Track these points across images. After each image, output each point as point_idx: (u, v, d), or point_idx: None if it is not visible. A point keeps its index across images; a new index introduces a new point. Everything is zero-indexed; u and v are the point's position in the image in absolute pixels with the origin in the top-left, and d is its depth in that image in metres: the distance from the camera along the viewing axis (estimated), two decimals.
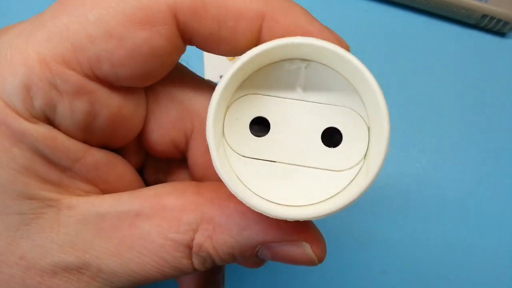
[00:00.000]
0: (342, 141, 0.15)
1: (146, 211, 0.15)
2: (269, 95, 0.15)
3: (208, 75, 0.33)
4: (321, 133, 0.15)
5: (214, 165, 0.13)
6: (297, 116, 0.15)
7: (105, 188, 0.16)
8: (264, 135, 0.15)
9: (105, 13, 0.14)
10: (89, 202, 0.15)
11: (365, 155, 0.15)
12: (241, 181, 0.15)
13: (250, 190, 0.15)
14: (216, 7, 0.14)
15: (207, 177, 0.18)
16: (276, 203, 0.15)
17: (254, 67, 0.15)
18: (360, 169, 0.15)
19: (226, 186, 0.13)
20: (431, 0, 0.34)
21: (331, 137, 0.15)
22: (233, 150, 0.15)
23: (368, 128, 0.15)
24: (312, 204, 0.14)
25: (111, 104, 0.15)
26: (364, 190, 0.13)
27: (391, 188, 0.32)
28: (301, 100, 0.15)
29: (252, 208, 0.13)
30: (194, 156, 0.18)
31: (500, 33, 0.35)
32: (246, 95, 0.15)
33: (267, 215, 0.13)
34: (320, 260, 0.16)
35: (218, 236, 0.15)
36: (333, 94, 0.15)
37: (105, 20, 0.14)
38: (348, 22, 0.35)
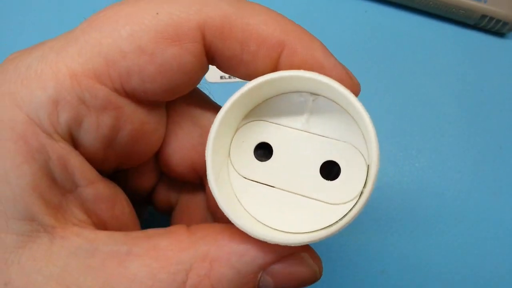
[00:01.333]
0: (340, 176, 0.15)
1: (136, 250, 0.14)
2: (276, 123, 0.16)
3: (208, 76, 0.34)
4: (320, 165, 0.15)
5: (211, 188, 0.14)
6: (299, 146, 0.15)
7: (98, 222, 0.16)
8: (266, 160, 0.15)
9: (138, 29, 0.14)
10: (83, 235, 0.14)
11: (361, 192, 0.15)
12: (240, 202, 0.15)
13: (248, 211, 0.15)
14: (241, 30, 0.14)
15: None
16: (271, 228, 0.15)
17: (264, 96, 0.15)
18: (354, 205, 0.15)
19: (219, 221, 0.14)
20: (430, 0, 0.34)
21: (330, 170, 0.15)
22: (236, 171, 0.15)
23: (368, 166, 0.15)
24: (306, 232, 0.15)
25: (135, 119, 0.15)
26: (354, 216, 0.14)
27: (390, 188, 0.32)
28: (305, 131, 0.15)
29: (249, 234, 0.14)
30: None
31: (499, 34, 0.35)
32: (254, 120, 0.16)
33: (265, 241, 0.14)
34: (320, 272, 0.16)
35: (216, 271, 0.14)
36: (337, 128, 0.15)
37: (137, 36, 0.14)
38: (348, 23, 0.35)
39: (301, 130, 0.15)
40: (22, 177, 0.13)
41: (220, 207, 0.14)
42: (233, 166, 0.16)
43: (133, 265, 0.14)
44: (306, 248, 0.15)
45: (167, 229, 0.15)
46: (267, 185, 0.15)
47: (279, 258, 0.14)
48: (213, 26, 0.14)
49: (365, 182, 0.15)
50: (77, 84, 0.14)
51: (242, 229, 0.14)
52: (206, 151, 0.14)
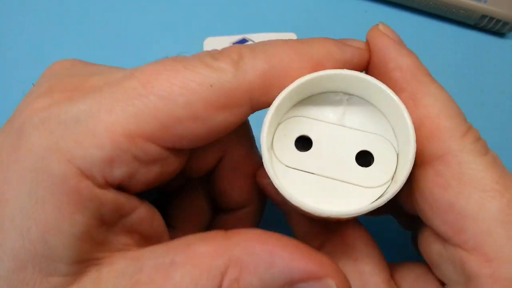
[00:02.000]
0: (374, 163, 0.17)
1: (178, 259, 0.15)
2: (315, 119, 0.18)
3: None
4: (355, 154, 0.17)
5: (266, 168, 0.16)
6: (336, 138, 0.17)
7: (140, 240, 0.16)
8: (306, 151, 0.17)
9: (193, 99, 0.15)
10: (128, 256, 0.15)
11: (392, 177, 0.17)
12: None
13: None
14: (282, 81, 0.16)
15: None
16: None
17: (305, 95, 0.18)
18: (387, 188, 0.17)
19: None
20: (430, 0, 0.34)
21: (364, 158, 0.17)
22: (279, 160, 0.17)
23: (397, 154, 0.17)
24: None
25: (176, 163, 0.17)
26: (392, 195, 0.16)
27: None
28: (341, 125, 0.18)
29: (298, 204, 0.16)
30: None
31: (499, 34, 0.35)
32: (295, 116, 0.18)
33: (312, 212, 0.16)
34: None
35: (244, 278, 0.14)
36: (369, 123, 0.17)
37: (193, 105, 0.15)
38: (348, 23, 0.35)
39: (338, 125, 0.17)
40: (75, 226, 0.14)
41: (280, 190, 0.16)
42: (276, 157, 0.17)
43: (177, 274, 0.14)
44: (336, 274, 0.15)
45: (205, 234, 0.16)
46: (308, 172, 0.17)
47: (305, 278, 0.15)
48: (258, 88, 0.16)
49: (396, 168, 0.17)
50: (132, 145, 0.15)
51: (301, 206, 0.16)
52: (261, 141, 0.16)
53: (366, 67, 0.19)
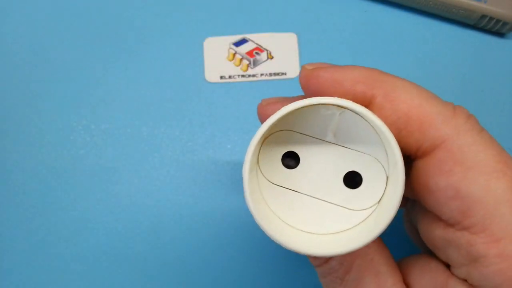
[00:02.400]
0: (362, 185, 0.16)
1: None
2: (303, 134, 0.17)
3: (208, 76, 0.34)
4: (344, 174, 0.16)
5: (244, 192, 0.15)
6: (325, 156, 0.17)
7: None
8: (293, 168, 0.17)
9: None
10: None
11: (379, 200, 0.16)
12: (268, 206, 0.17)
13: (275, 213, 0.16)
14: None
15: None
16: (295, 228, 0.16)
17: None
18: (372, 212, 0.16)
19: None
20: (430, 0, 0.34)
21: (353, 179, 0.17)
22: (264, 176, 0.17)
23: (387, 177, 0.16)
24: (325, 234, 0.16)
25: None
26: (377, 235, 0.15)
27: None
28: (331, 142, 0.17)
29: (268, 235, 0.15)
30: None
31: (500, 34, 0.35)
32: (283, 130, 0.17)
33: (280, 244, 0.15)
34: None
35: None
36: (361, 141, 0.16)
37: None
38: (348, 22, 0.35)
39: (328, 142, 0.17)
40: None
41: (255, 219, 0.15)
42: (261, 172, 0.17)
43: None
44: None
45: None
46: (293, 190, 0.17)
47: None
48: None
49: (384, 191, 0.16)
50: None
51: (274, 239, 0.15)
52: (243, 165, 0.15)
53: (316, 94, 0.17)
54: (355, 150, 0.16)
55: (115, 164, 0.32)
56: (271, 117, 0.15)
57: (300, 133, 0.17)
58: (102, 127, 0.32)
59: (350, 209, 0.16)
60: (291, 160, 0.17)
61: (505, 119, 0.33)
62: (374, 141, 0.16)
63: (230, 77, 0.33)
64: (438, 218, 0.17)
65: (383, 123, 0.15)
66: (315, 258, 0.18)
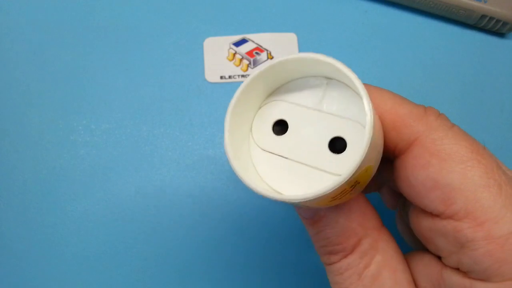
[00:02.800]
0: (346, 150, 0.17)
1: None
2: (293, 103, 0.18)
3: (208, 76, 0.34)
4: (329, 140, 0.17)
5: (225, 150, 0.16)
6: (312, 123, 0.17)
7: None
8: (282, 135, 0.17)
9: None
10: None
11: None
12: (257, 171, 0.17)
13: (263, 179, 0.17)
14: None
15: None
16: (279, 192, 0.17)
17: (285, 79, 0.18)
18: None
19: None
20: (430, 0, 0.34)
21: (338, 144, 0.17)
22: (256, 143, 0.18)
23: None
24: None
25: None
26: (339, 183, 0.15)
27: None
28: (318, 110, 0.17)
29: (254, 191, 0.15)
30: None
31: (500, 34, 0.35)
32: (274, 101, 0.18)
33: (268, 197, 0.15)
34: None
35: None
36: (346, 108, 0.17)
37: None
38: (348, 22, 0.35)
39: (314, 109, 0.17)
40: None
41: (234, 171, 0.16)
42: (253, 139, 0.18)
43: None
44: None
45: None
46: (282, 156, 0.17)
47: None
48: None
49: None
50: None
51: (248, 186, 0.15)
52: (225, 121, 0.16)
53: None
54: (340, 116, 0.17)
55: (115, 164, 0.32)
56: (255, 70, 0.16)
57: (291, 102, 0.18)
58: (102, 127, 0.32)
59: (335, 174, 0.17)
60: (281, 127, 0.18)
61: (505, 119, 0.33)
62: (358, 107, 0.17)
63: (230, 77, 0.33)
64: (423, 211, 0.17)
65: (354, 75, 0.15)
66: (317, 230, 0.18)
